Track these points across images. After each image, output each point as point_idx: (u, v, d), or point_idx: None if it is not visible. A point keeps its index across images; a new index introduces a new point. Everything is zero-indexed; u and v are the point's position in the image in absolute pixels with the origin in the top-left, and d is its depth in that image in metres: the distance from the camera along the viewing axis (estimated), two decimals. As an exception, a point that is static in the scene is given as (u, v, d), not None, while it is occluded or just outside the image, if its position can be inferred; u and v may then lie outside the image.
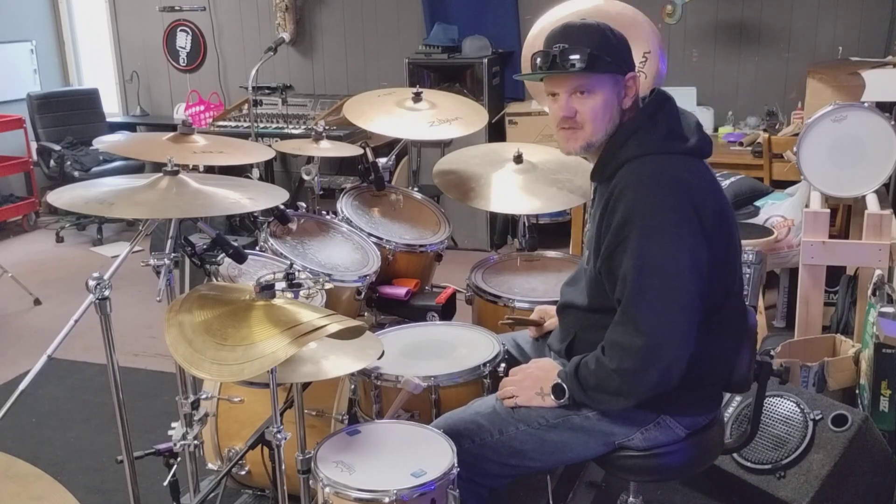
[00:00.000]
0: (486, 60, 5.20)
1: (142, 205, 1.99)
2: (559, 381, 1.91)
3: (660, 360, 1.75)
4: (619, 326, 1.79)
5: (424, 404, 2.15)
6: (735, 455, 2.62)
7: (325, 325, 1.63)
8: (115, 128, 6.33)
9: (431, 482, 1.74)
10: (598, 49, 1.82)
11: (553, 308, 2.27)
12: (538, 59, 1.87)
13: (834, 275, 3.48)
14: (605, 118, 1.86)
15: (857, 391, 2.91)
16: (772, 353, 2.99)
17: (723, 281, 1.86)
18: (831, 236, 3.32)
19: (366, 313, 2.95)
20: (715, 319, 1.84)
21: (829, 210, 3.21)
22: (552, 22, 3.10)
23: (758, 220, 3.77)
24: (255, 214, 2.85)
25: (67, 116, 6.15)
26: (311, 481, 1.83)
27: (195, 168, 2.81)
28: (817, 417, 2.55)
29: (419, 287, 3.00)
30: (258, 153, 2.62)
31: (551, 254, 3.03)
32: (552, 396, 1.92)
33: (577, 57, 1.81)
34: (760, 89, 5.06)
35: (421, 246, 3.02)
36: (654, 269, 1.74)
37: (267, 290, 1.73)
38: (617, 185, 1.82)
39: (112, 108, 6.68)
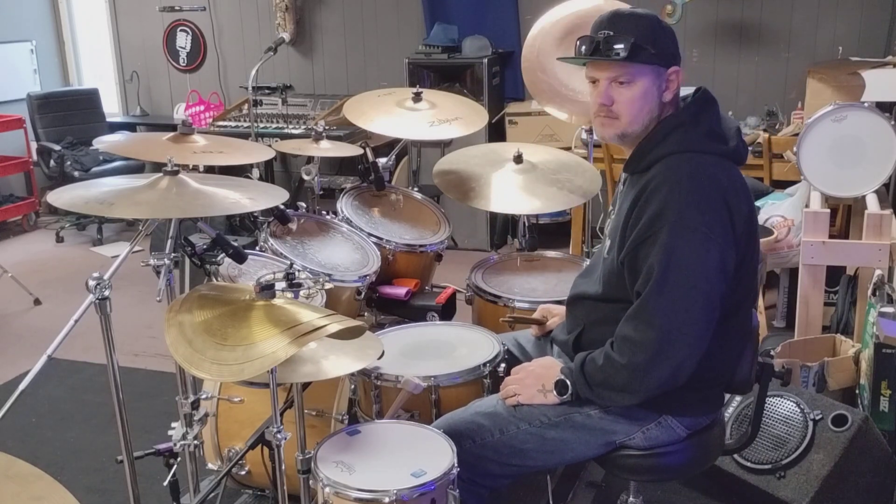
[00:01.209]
0: (486, 60, 5.20)
1: (142, 205, 1.99)
2: (562, 377, 1.91)
3: (670, 358, 1.75)
4: (632, 321, 1.79)
5: (424, 404, 2.15)
6: (735, 455, 2.62)
7: (325, 325, 1.63)
8: (115, 128, 6.33)
9: (431, 482, 1.74)
10: (643, 39, 1.81)
11: (556, 307, 2.27)
12: (582, 45, 1.87)
13: (834, 275, 3.48)
14: (643, 110, 1.86)
15: (857, 391, 2.91)
16: (772, 353, 2.99)
17: (744, 286, 1.86)
18: (831, 236, 3.32)
19: (366, 313, 2.95)
20: (729, 323, 1.85)
21: (829, 210, 3.21)
22: (552, 22, 3.12)
23: (758, 220, 3.77)
24: (255, 214, 2.85)
25: (67, 116, 6.15)
26: (311, 481, 1.83)
27: (195, 168, 2.81)
28: (817, 417, 2.55)
29: (419, 287, 3.00)
30: (258, 153, 2.62)
31: (551, 254, 3.03)
32: (554, 392, 1.92)
33: (620, 46, 1.80)
34: (760, 89, 5.06)
35: (421, 246, 3.02)
36: (680, 266, 1.74)
37: (267, 290, 1.73)
38: (653, 179, 1.81)
39: (112, 108, 6.68)
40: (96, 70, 6.87)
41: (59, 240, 5.95)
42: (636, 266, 1.81)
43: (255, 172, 3.85)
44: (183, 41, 6.38)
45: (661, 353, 1.74)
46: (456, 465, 1.79)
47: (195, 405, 2.38)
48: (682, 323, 1.74)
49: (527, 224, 3.02)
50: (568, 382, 1.90)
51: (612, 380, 1.82)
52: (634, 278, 1.81)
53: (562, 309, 2.21)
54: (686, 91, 1.94)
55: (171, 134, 2.44)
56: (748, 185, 1.90)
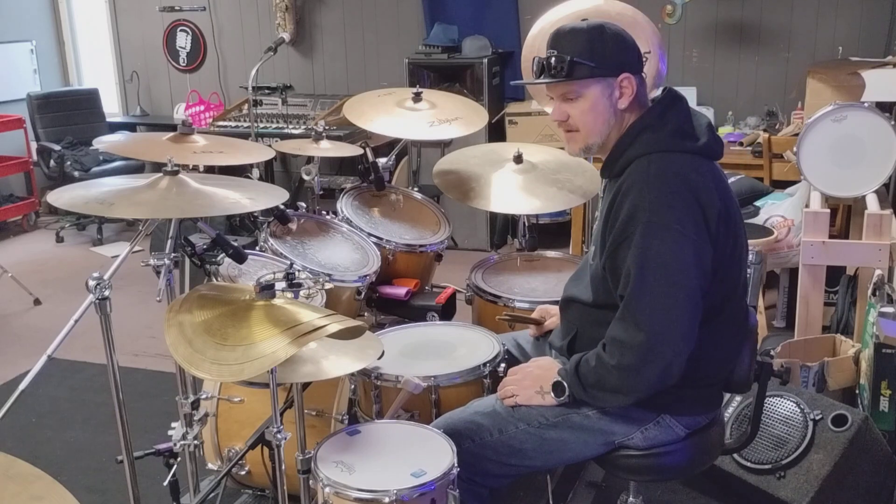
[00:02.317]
0: (486, 60, 5.20)
1: (142, 205, 1.99)
2: (559, 378, 1.91)
3: (659, 357, 1.75)
4: (619, 323, 1.80)
5: (424, 404, 2.15)
6: (735, 455, 2.62)
7: (325, 325, 1.63)
8: (115, 128, 6.33)
9: (431, 482, 1.74)
10: (581, 56, 1.83)
11: (554, 308, 2.27)
12: (533, 66, 1.92)
13: (834, 275, 3.48)
14: (598, 121, 1.88)
15: (857, 391, 2.91)
16: (772, 353, 2.99)
17: (727, 282, 1.86)
18: (831, 236, 3.32)
19: (366, 313, 2.95)
20: (717, 320, 1.85)
21: (829, 210, 3.21)
22: (552, 22, 3.12)
23: (758, 220, 3.77)
24: (255, 214, 2.85)
25: (67, 116, 6.15)
26: (311, 481, 1.83)
27: (195, 168, 2.81)
28: (817, 417, 2.55)
29: (419, 287, 3.00)
30: (258, 153, 2.62)
31: (551, 254, 3.03)
32: (552, 394, 1.92)
33: (557, 66, 1.85)
34: (760, 89, 5.06)
35: (421, 246, 3.02)
36: (658, 265, 1.75)
37: (267, 290, 1.73)
38: (624, 182, 1.83)
39: (112, 108, 6.68)
40: (96, 70, 6.87)
41: (59, 240, 5.95)
42: (616, 269, 1.82)
43: (255, 172, 3.85)
44: (183, 41, 6.38)
45: (649, 352, 1.75)
46: (456, 465, 1.79)
47: (195, 405, 2.38)
48: (666, 322, 1.75)
49: (527, 224, 3.02)
50: (564, 384, 1.90)
51: (605, 381, 1.82)
52: (616, 282, 1.83)
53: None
54: (657, 93, 1.95)
55: (171, 134, 2.44)
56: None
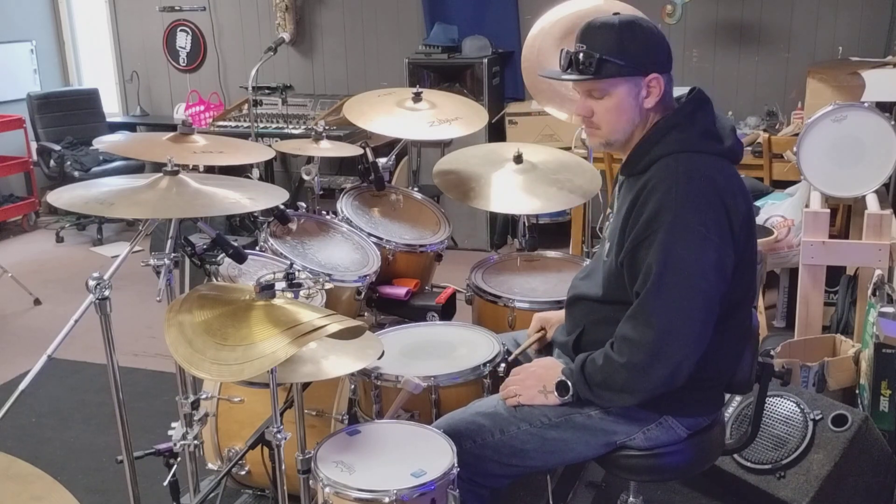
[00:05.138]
0: (486, 60, 5.20)
1: (142, 205, 1.99)
2: (563, 377, 1.91)
3: (669, 358, 1.75)
4: (630, 321, 1.79)
5: (424, 404, 2.15)
6: (735, 455, 2.62)
7: (325, 325, 1.63)
8: (115, 128, 6.33)
9: (431, 482, 1.74)
10: (611, 53, 1.81)
11: (552, 313, 2.26)
12: (561, 59, 1.89)
13: (834, 275, 3.48)
14: (622, 119, 1.86)
15: (857, 391, 2.91)
16: (772, 353, 2.98)
17: (742, 285, 1.86)
18: (831, 236, 3.32)
19: (366, 313, 2.95)
20: (727, 322, 1.84)
21: (829, 210, 3.21)
22: (552, 22, 3.12)
23: (758, 220, 3.77)
24: (255, 214, 2.85)
25: (67, 116, 6.15)
26: (311, 481, 1.83)
27: (195, 168, 2.81)
28: (817, 417, 2.55)
29: (419, 287, 3.00)
30: (258, 153, 2.62)
31: (551, 254, 3.03)
32: (555, 393, 1.92)
33: (586, 62, 1.82)
34: (760, 89, 5.06)
35: (421, 246, 3.02)
36: (678, 266, 1.74)
37: (267, 290, 1.73)
38: (650, 180, 1.81)
39: (112, 108, 6.68)
40: (96, 70, 6.87)
41: (59, 240, 5.95)
42: (635, 267, 1.81)
43: (255, 172, 3.85)
44: (183, 41, 6.38)
45: (659, 352, 1.75)
46: (456, 465, 1.79)
47: (195, 405, 2.38)
48: (680, 322, 1.74)
49: (527, 224, 3.02)
50: (569, 383, 1.90)
51: (612, 380, 1.82)
52: (633, 279, 1.81)
53: (558, 314, 2.21)
54: (681, 91, 1.94)
55: (171, 134, 2.43)
56: (745, 183, 1.90)
